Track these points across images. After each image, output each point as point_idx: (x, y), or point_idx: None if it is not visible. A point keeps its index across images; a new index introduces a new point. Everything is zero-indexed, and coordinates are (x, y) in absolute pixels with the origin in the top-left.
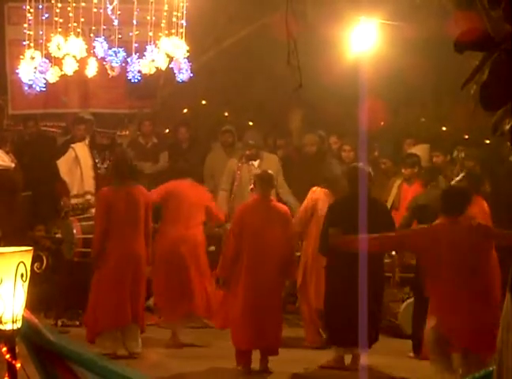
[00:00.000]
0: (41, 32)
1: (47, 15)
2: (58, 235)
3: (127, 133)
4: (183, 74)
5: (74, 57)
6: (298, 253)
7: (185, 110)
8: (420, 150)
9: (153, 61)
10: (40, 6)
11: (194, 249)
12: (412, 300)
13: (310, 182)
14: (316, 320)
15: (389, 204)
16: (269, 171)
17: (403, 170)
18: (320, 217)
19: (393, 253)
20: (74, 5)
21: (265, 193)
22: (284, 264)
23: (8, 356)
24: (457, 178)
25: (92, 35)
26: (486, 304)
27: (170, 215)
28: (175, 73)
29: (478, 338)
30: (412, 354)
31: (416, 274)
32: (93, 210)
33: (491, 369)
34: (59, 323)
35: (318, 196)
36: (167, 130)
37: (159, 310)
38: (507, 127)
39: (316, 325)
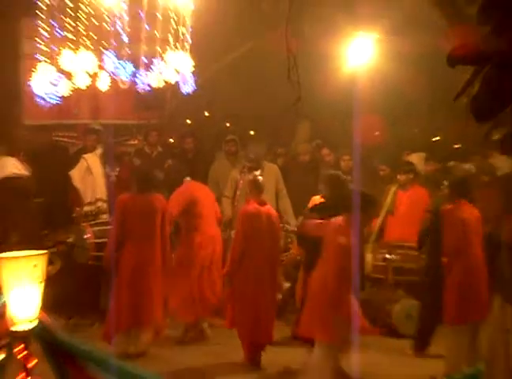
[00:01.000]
0: (54, 47)
1: (59, 30)
2: (70, 240)
3: (135, 142)
4: (188, 87)
5: (87, 72)
6: (298, 257)
7: (189, 122)
8: (416, 158)
9: (161, 74)
10: (53, 22)
11: (220, 247)
12: (405, 300)
13: (305, 188)
14: None
15: (384, 209)
16: (260, 178)
17: (398, 177)
18: None
19: (388, 256)
20: (86, 21)
21: (257, 196)
22: (273, 261)
23: (23, 354)
24: (442, 187)
25: (101, 49)
26: None
27: (195, 220)
28: (180, 86)
29: None
30: (410, 352)
31: (421, 277)
32: (104, 216)
33: (480, 368)
34: (71, 323)
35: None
36: (172, 140)
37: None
38: (497, 137)
39: None
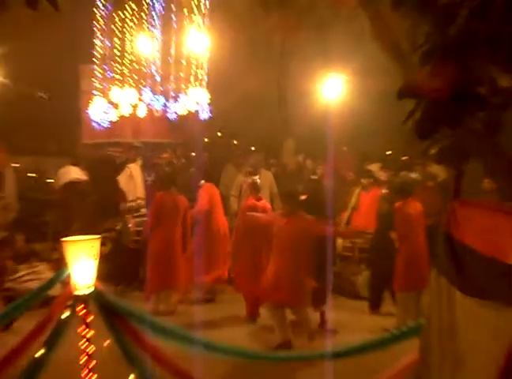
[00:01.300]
0: (105, 85)
1: (109, 72)
2: (118, 228)
3: (166, 155)
4: (205, 114)
5: (130, 103)
6: None
7: (206, 140)
8: (374, 167)
9: (185, 105)
10: (105, 66)
11: (227, 231)
12: (365, 272)
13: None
14: None
15: (350, 207)
16: (257, 181)
17: (362, 181)
18: None
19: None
20: (129, 65)
21: (255, 194)
22: (267, 242)
23: (83, 312)
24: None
25: (141, 86)
26: None
27: (215, 207)
28: (199, 113)
29: None
30: (367, 311)
31: (370, 255)
32: (143, 210)
33: (421, 322)
34: (118, 289)
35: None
36: (193, 154)
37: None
38: (433, 151)
39: None
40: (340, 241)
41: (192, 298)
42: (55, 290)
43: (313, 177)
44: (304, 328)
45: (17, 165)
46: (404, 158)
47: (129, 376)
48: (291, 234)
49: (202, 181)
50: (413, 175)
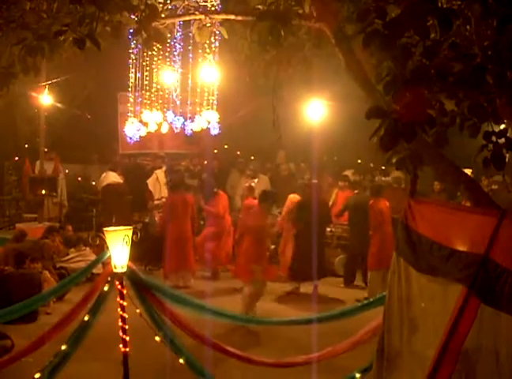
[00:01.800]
0: (137, 108)
1: (140, 98)
2: (146, 220)
3: (184, 163)
4: (215, 131)
5: (156, 122)
6: (280, 231)
7: (215, 151)
8: (349, 172)
9: (199, 123)
10: (137, 93)
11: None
12: (342, 256)
13: (284, 191)
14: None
15: (330, 203)
16: (253, 185)
17: (339, 183)
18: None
19: (332, 229)
20: (155, 92)
21: (251, 194)
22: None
23: (119, 287)
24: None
25: (164, 109)
26: None
27: (225, 212)
28: (210, 130)
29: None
30: (342, 285)
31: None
32: None
33: (384, 294)
34: (147, 268)
35: (294, 199)
36: (206, 162)
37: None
38: (394, 160)
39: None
40: None
41: (201, 275)
42: (98, 269)
43: (302, 181)
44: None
45: (68, 171)
46: (371, 165)
47: (155, 336)
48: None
49: (215, 190)
50: (385, 179)
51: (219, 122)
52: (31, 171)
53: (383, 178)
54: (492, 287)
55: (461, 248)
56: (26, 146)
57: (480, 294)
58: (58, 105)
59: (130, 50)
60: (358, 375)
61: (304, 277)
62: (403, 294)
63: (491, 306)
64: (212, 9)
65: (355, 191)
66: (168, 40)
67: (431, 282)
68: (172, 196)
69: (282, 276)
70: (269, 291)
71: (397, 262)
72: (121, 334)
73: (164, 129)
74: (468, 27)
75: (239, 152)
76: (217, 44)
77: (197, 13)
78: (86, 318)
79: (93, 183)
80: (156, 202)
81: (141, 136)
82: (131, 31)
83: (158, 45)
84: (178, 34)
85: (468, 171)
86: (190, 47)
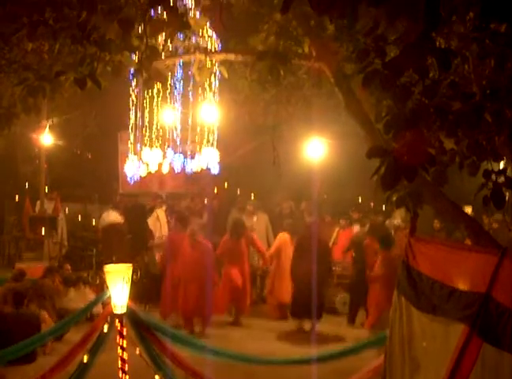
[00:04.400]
0: (138, 147)
1: (140, 137)
2: (146, 259)
3: (185, 203)
4: (215, 170)
5: (156, 163)
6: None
7: (215, 190)
8: (349, 210)
9: (199, 162)
10: (137, 132)
11: None
12: (342, 294)
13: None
14: (277, 306)
15: (331, 241)
16: (242, 220)
17: (340, 221)
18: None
19: (333, 268)
20: (155, 131)
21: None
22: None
23: (119, 327)
24: (366, 229)
25: (165, 148)
26: None
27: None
28: (210, 169)
29: None
30: (344, 324)
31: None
32: None
33: (385, 333)
34: (147, 308)
35: (283, 238)
36: (206, 201)
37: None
38: (394, 198)
39: (277, 309)
40: None
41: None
42: (97, 309)
43: (293, 220)
44: None
45: (68, 210)
46: (371, 204)
47: (155, 376)
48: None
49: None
50: (396, 222)
51: (219, 161)
52: (31, 210)
53: (394, 222)
54: (494, 326)
55: (462, 287)
56: (26, 185)
57: (482, 334)
58: (59, 143)
59: (131, 90)
60: None
61: (302, 315)
62: (404, 333)
63: (494, 346)
64: (213, 49)
65: (356, 229)
66: (169, 80)
67: (432, 321)
68: (172, 235)
69: (272, 315)
70: (270, 329)
71: (398, 300)
72: (120, 374)
73: (164, 169)
74: (466, 66)
75: (239, 191)
76: (217, 84)
77: (197, 53)
78: (85, 359)
79: (93, 222)
80: (156, 241)
81: (141, 176)
82: (132, 71)
83: (158, 84)
84: (179, 74)
85: (468, 210)
86: (190, 87)
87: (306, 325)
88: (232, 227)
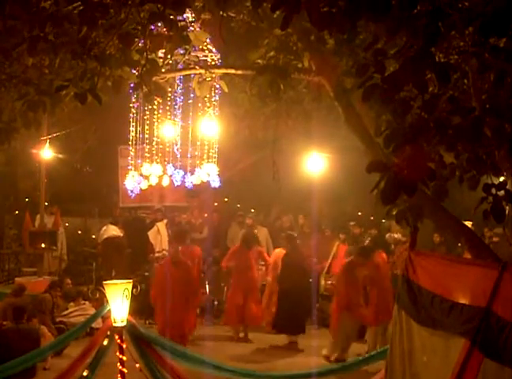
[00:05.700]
0: (138, 161)
1: (141, 152)
2: (147, 274)
3: (185, 216)
4: (215, 183)
5: (156, 175)
6: (264, 283)
7: (216, 204)
8: (349, 224)
9: (199, 176)
10: (137, 147)
11: None
12: None
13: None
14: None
15: (331, 255)
16: (254, 232)
17: (340, 236)
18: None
19: (333, 282)
20: (155, 146)
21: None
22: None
23: (119, 341)
24: (367, 241)
25: (165, 162)
26: None
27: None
28: (210, 183)
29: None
30: None
31: None
32: None
33: (386, 347)
34: (147, 322)
35: (280, 254)
36: (206, 215)
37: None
38: (394, 212)
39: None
40: (322, 282)
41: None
42: (97, 323)
43: (289, 233)
44: None
45: (68, 224)
46: (371, 218)
47: None
48: None
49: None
50: (392, 235)
51: (219, 175)
52: (31, 225)
53: (395, 236)
54: (495, 340)
55: (463, 301)
56: (26, 200)
57: (483, 348)
58: (60, 156)
59: (131, 104)
60: None
61: (283, 330)
62: (405, 348)
63: (495, 360)
64: (213, 63)
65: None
66: (169, 94)
67: (432, 335)
68: (160, 266)
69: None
70: (266, 343)
71: (398, 315)
72: None
73: (164, 182)
74: (465, 80)
75: (239, 205)
76: (217, 98)
77: (197, 67)
78: (85, 373)
79: (93, 236)
80: (156, 254)
81: (141, 190)
82: (132, 85)
83: (158, 99)
84: (179, 88)
85: (468, 223)
86: (190, 101)
87: (299, 339)
88: (244, 237)
